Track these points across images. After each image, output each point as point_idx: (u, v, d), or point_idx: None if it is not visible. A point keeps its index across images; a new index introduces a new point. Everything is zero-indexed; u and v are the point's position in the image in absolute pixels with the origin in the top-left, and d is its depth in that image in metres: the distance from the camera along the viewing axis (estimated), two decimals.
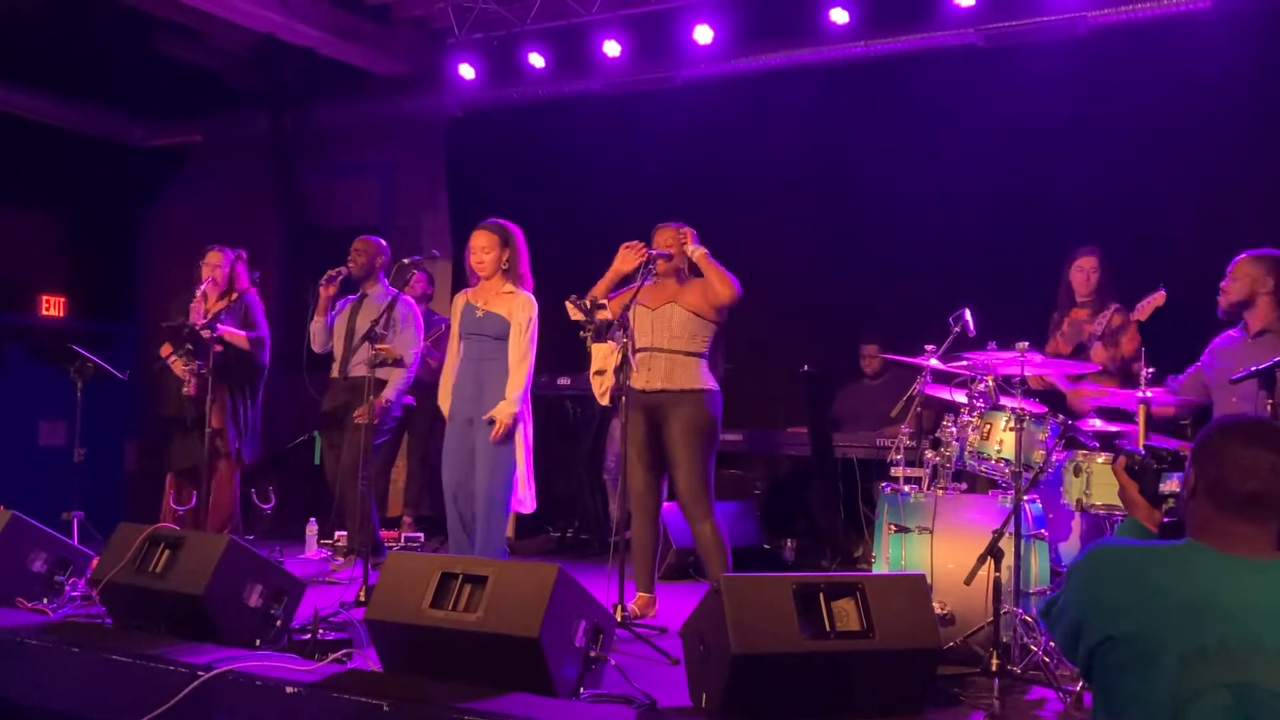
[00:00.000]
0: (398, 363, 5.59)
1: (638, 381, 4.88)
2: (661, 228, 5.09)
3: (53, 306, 9.86)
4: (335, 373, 6.10)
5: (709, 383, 4.99)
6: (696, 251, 4.94)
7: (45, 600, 4.49)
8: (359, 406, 5.80)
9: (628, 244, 4.98)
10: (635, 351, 4.91)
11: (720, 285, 4.90)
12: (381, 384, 5.73)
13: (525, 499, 5.07)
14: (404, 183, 9.41)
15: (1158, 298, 5.35)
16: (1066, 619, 2.07)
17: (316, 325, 6.04)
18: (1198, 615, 1.88)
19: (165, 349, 6.33)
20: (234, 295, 6.31)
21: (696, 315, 4.98)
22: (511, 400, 4.96)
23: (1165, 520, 2.35)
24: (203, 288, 6.23)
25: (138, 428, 9.58)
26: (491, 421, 4.95)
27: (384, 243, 6.24)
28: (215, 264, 6.30)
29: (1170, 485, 2.38)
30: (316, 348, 6.09)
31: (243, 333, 6.18)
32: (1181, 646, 1.87)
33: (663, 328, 4.98)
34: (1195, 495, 2.03)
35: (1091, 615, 2.00)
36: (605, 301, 4.81)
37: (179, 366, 6.15)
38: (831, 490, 6.57)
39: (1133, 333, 5.46)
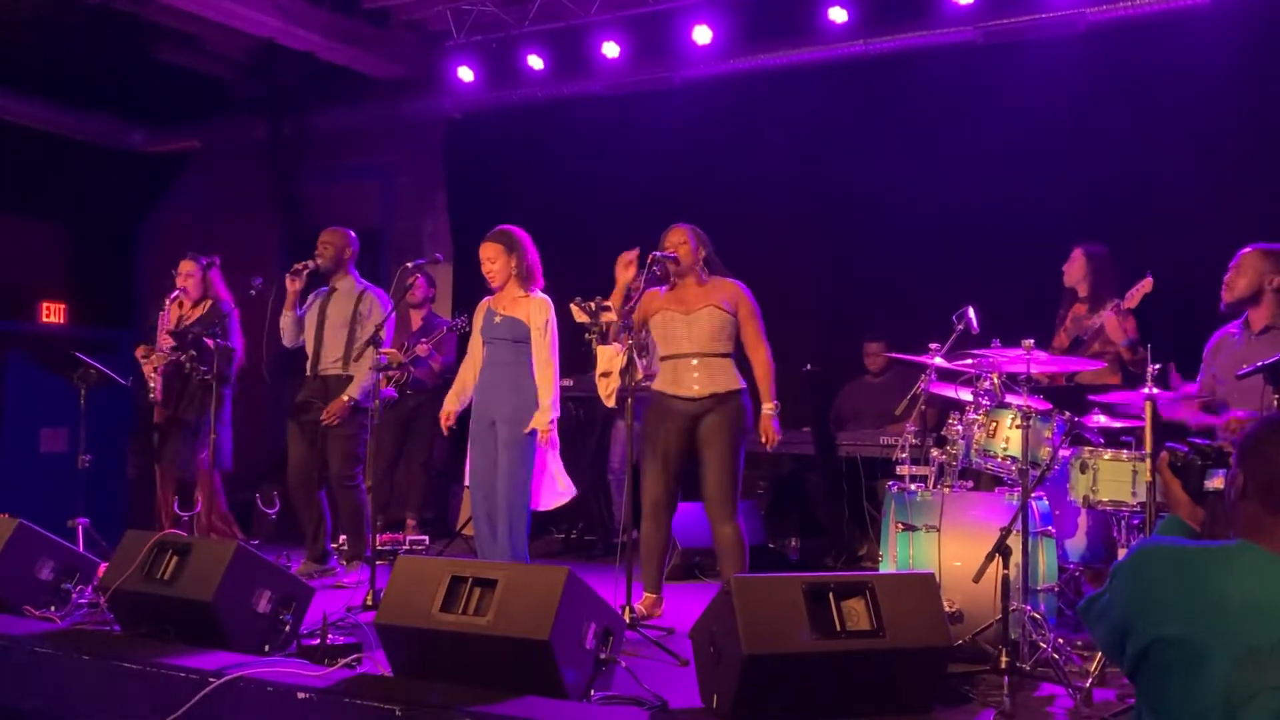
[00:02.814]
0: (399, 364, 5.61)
1: (677, 389, 4.88)
2: (672, 228, 5.03)
3: (53, 313, 9.84)
4: (309, 370, 6.02)
5: (742, 382, 4.99)
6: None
7: (53, 608, 4.48)
8: (329, 406, 5.83)
9: (623, 256, 4.93)
10: (664, 358, 4.93)
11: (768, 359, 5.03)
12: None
13: (564, 489, 5.17)
14: (403, 186, 9.43)
15: (1145, 284, 5.35)
16: (1111, 618, 2.03)
17: (286, 320, 5.98)
18: (1248, 617, 1.85)
19: (139, 351, 6.45)
20: (208, 303, 6.39)
21: (729, 314, 4.95)
22: (546, 407, 5.07)
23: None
24: (174, 295, 6.39)
25: (138, 434, 9.58)
26: (514, 424, 5.05)
27: (352, 233, 6.15)
28: (187, 273, 6.43)
29: (1214, 482, 2.33)
30: (286, 343, 6.05)
31: (208, 339, 6.15)
32: (1232, 648, 1.84)
33: (701, 332, 4.93)
34: (1244, 495, 1.99)
35: (1139, 616, 1.96)
36: (610, 303, 4.82)
37: (146, 370, 6.31)
38: (835, 489, 6.57)
39: (1128, 323, 5.47)
